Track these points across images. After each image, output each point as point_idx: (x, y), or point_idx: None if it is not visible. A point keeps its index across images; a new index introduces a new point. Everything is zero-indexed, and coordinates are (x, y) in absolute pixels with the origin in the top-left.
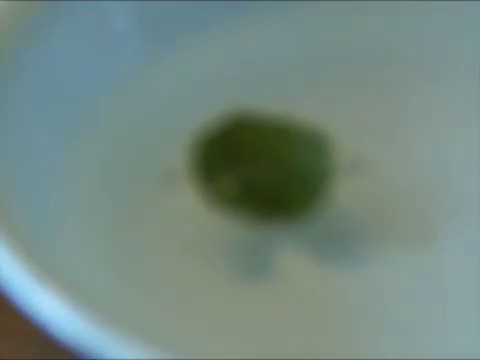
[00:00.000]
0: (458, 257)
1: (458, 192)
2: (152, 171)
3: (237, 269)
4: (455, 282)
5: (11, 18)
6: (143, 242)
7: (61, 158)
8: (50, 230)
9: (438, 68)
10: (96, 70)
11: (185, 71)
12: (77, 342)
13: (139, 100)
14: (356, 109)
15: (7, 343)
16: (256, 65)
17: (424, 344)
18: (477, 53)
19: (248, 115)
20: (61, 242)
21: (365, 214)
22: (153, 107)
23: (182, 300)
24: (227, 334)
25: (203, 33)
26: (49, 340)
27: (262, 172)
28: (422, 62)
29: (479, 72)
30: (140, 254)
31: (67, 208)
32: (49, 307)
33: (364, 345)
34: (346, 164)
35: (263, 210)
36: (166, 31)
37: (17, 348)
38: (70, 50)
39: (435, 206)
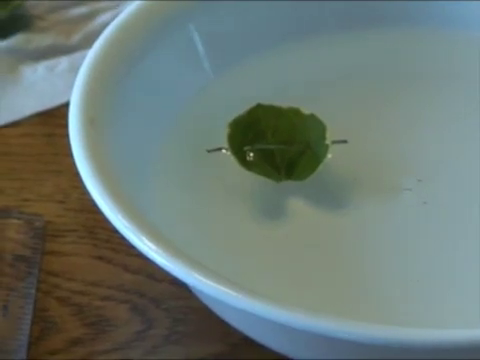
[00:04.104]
0: (416, 206)
1: (421, 162)
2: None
3: (261, 214)
4: (414, 222)
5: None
6: (203, 196)
7: (157, 141)
8: (147, 193)
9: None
10: (183, 79)
11: (248, 84)
12: (168, 270)
13: (211, 104)
14: (353, 105)
15: None
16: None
17: (393, 258)
18: None
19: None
20: (153, 201)
21: (352, 176)
22: (220, 109)
23: (224, 235)
24: (252, 260)
25: (265, 53)
26: None
27: (280, 145)
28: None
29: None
30: (202, 205)
31: (161, 177)
32: (148, 249)
33: (355, 263)
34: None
35: (281, 172)
36: (234, 51)
37: None
38: (165, 63)
39: (401, 171)
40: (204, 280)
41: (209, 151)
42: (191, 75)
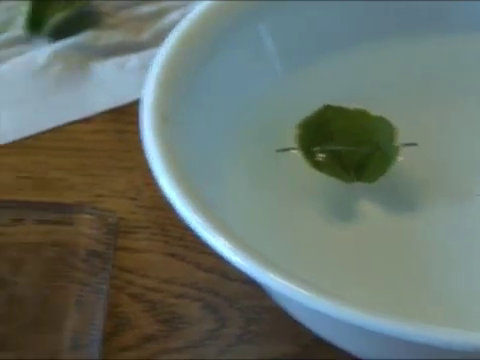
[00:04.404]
0: None
1: None
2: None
3: (330, 214)
4: None
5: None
6: (272, 196)
7: (228, 139)
8: (218, 191)
9: None
10: (253, 79)
11: (318, 84)
12: (242, 269)
13: (281, 104)
14: (423, 109)
15: None
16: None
17: (465, 265)
18: None
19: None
20: (224, 199)
21: (422, 179)
22: (289, 109)
23: (294, 235)
24: (321, 260)
25: (335, 54)
26: None
27: (349, 146)
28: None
29: None
30: (271, 204)
31: (231, 175)
32: (222, 247)
33: (423, 266)
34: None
35: (350, 173)
36: (304, 52)
37: None
38: (234, 63)
39: (471, 175)
40: (278, 279)
41: (278, 151)
42: (261, 75)
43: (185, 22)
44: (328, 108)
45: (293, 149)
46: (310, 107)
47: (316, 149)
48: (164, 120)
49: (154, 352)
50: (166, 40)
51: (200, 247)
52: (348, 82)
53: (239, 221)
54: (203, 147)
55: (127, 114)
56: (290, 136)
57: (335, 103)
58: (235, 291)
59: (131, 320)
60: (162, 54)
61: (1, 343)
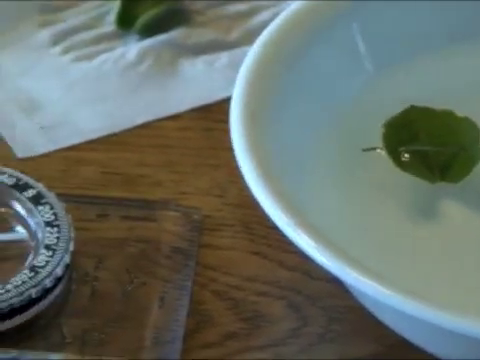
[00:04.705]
0: None
1: None
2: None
3: (415, 214)
4: None
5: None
6: (358, 195)
7: (315, 137)
8: (304, 189)
9: None
10: (343, 78)
11: (408, 84)
12: (326, 268)
13: (370, 104)
14: None
15: None
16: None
17: None
18: None
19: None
20: (310, 198)
21: None
22: (378, 109)
23: (379, 234)
24: (406, 260)
25: (426, 55)
26: None
27: (434, 146)
28: None
29: None
30: (357, 203)
31: (318, 173)
32: (307, 246)
33: None
34: None
35: (435, 173)
36: (395, 52)
37: None
38: (325, 62)
39: None
40: (363, 279)
41: (364, 150)
42: (352, 74)
43: (278, 21)
44: (413, 108)
45: (379, 149)
46: (399, 107)
47: (402, 149)
48: (253, 118)
49: (235, 350)
50: (259, 38)
51: (284, 245)
52: (438, 82)
53: (324, 220)
54: (291, 145)
55: (214, 112)
56: (378, 135)
57: (424, 103)
58: (318, 290)
59: (213, 317)
60: (254, 52)
61: (84, 338)
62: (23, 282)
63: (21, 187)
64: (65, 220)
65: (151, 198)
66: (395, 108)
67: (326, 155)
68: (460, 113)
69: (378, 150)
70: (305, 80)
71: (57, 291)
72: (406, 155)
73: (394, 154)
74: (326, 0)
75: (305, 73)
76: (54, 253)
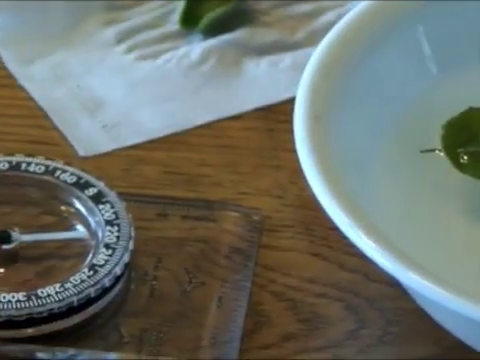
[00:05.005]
0: None
1: None
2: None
3: (474, 216)
4: None
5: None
6: (419, 196)
7: (377, 139)
8: (367, 191)
9: None
10: (407, 80)
11: (473, 87)
12: (386, 270)
13: (433, 105)
14: None
15: None
16: None
17: None
18: None
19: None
20: (373, 199)
21: None
22: (441, 110)
23: (439, 236)
24: (466, 262)
25: None
26: None
27: None
28: None
29: None
30: (418, 205)
31: (380, 175)
32: (367, 248)
33: None
34: None
35: None
36: (460, 54)
37: None
38: (390, 64)
39: None
40: (423, 281)
41: (422, 151)
42: (416, 76)
43: (343, 22)
44: (472, 110)
45: (438, 150)
46: (462, 109)
47: (460, 150)
48: (316, 119)
49: (293, 351)
50: (324, 39)
51: (344, 247)
52: None
53: (385, 221)
54: (353, 146)
55: (277, 112)
56: (438, 137)
57: None
58: (377, 292)
59: (272, 318)
60: (319, 53)
61: (141, 338)
62: (82, 281)
63: (82, 186)
64: (125, 219)
65: (212, 198)
66: (457, 110)
67: (387, 156)
68: None
69: (437, 151)
70: (369, 81)
71: (116, 290)
72: (465, 156)
73: (453, 155)
74: (391, 0)
75: (369, 74)
76: (114, 252)
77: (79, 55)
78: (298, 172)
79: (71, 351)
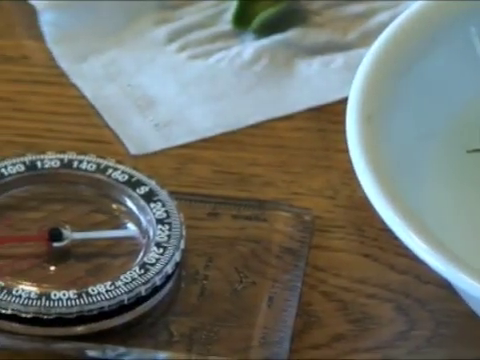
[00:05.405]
0: None
1: None
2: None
3: None
4: None
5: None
6: (471, 198)
7: (429, 140)
8: (418, 192)
9: None
10: (459, 81)
11: None
12: (438, 271)
13: None
14: None
15: None
16: None
17: None
18: None
19: None
20: (424, 201)
21: None
22: None
23: None
24: None
25: None
26: None
27: None
28: None
29: None
30: (469, 206)
31: (431, 176)
32: (419, 249)
33: None
34: None
35: None
36: None
37: None
38: (442, 65)
39: None
40: (474, 283)
41: (469, 152)
42: (468, 78)
43: (396, 23)
44: None
45: None
46: None
47: None
48: (368, 119)
49: (343, 351)
50: (377, 40)
51: (395, 248)
52: None
53: (437, 222)
54: (405, 147)
55: (329, 113)
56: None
57: None
58: (427, 294)
59: (322, 318)
60: (372, 54)
61: (191, 337)
62: (133, 279)
63: (134, 184)
64: (177, 218)
65: (263, 198)
66: None
67: (439, 157)
68: None
69: None
70: (421, 82)
71: (166, 289)
72: None
73: None
74: (444, 0)
75: (421, 75)
76: (165, 251)
77: (131, 54)
78: (350, 173)
79: (121, 349)
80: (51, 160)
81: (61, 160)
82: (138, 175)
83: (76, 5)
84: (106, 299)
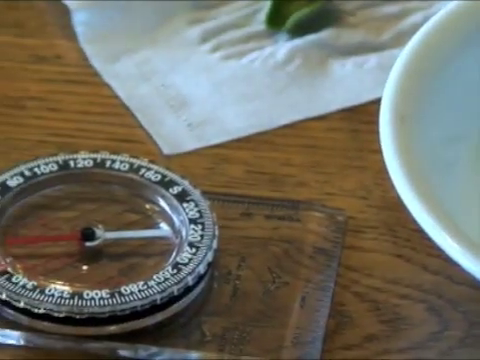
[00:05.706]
0: None
1: None
2: None
3: None
4: None
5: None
6: None
7: (462, 140)
8: (452, 193)
9: None
10: None
11: None
12: (471, 272)
13: None
14: None
15: None
16: None
17: None
18: None
19: None
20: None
21: None
22: None
23: None
24: None
25: None
26: None
27: None
28: None
29: None
30: None
31: (466, 177)
32: (451, 250)
33: None
34: None
35: None
36: None
37: None
38: (476, 65)
39: None
40: None
41: None
42: None
43: (430, 24)
44: None
45: None
46: None
47: None
48: (402, 120)
49: (375, 352)
50: (411, 40)
51: (428, 249)
52: None
53: (470, 223)
54: (438, 147)
55: (362, 113)
56: None
57: None
58: (460, 294)
59: (354, 319)
60: (406, 54)
61: (224, 337)
62: (165, 279)
63: (167, 184)
64: (210, 218)
65: (296, 198)
66: None
67: (473, 158)
68: None
69: None
70: (454, 82)
71: (199, 289)
72: None
73: None
74: (477, 0)
75: (455, 75)
76: (197, 251)
77: (164, 53)
78: (383, 173)
79: (153, 349)
80: (84, 160)
81: (94, 160)
82: (171, 175)
83: (109, 5)
84: (138, 299)
